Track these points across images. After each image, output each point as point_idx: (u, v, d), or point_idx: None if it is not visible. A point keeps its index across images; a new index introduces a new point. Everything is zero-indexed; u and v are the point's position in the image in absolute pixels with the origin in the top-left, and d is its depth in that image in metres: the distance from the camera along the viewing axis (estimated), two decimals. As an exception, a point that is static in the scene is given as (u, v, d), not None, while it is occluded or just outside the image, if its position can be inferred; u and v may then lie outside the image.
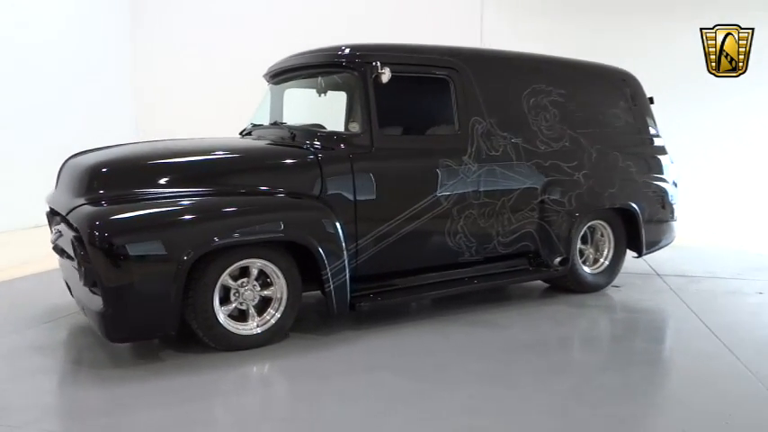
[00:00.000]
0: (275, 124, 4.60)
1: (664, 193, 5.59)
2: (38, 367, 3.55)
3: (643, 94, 5.70)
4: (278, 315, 3.86)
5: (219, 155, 4.08)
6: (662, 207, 5.56)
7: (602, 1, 7.33)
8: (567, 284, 5.21)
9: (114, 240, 3.35)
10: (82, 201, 3.64)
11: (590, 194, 5.06)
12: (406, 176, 4.33)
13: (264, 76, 5.15)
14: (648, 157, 5.62)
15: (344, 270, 3.99)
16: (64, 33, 9.28)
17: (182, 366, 3.57)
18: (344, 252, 3.98)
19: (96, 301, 3.44)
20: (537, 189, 4.86)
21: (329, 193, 4.04)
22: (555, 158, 4.96)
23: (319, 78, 4.71)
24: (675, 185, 5.80)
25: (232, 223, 3.64)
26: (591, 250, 5.35)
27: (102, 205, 3.55)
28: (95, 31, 9.91)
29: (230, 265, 3.69)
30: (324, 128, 4.49)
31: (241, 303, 3.80)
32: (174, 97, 10.18)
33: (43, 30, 8.77)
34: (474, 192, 4.55)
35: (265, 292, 3.87)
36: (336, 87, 4.61)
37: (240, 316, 3.82)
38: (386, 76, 4.18)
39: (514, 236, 4.79)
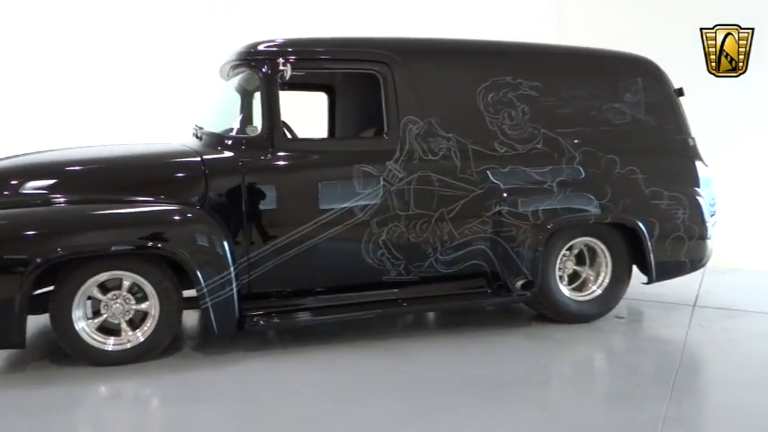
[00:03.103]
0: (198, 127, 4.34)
1: (688, 204, 4.51)
2: None
3: (663, 84, 4.66)
4: (141, 334, 3.62)
5: (99, 163, 3.88)
6: (683, 222, 4.49)
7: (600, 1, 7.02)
8: (544, 312, 4.41)
9: (-43, 249, 3.31)
10: None
11: (566, 206, 4.22)
12: (310, 184, 3.88)
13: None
14: (666, 160, 4.60)
15: (228, 286, 3.65)
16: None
17: (45, 378, 3.48)
18: (228, 266, 3.65)
19: None
20: (490, 199, 4.14)
21: (213, 201, 3.73)
22: (518, 163, 4.20)
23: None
24: (710, 195, 4.70)
25: (79, 234, 3.45)
26: (591, 272, 4.49)
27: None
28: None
29: (90, 277, 3.51)
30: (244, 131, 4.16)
31: (113, 317, 3.62)
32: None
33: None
34: (401, 201, 3.97)
35: (142, 307, 3.65)
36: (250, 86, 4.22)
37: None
38: (287, 73, 3.78)
39: (458, 253, 4.12)
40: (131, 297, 3.64)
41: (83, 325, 3.54)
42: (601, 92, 4.48)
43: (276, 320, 3.84)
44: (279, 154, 3.84)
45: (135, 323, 3.67)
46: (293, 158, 3.89)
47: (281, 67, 3.79)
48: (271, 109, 3.83)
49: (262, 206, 3.80)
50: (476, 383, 3.38)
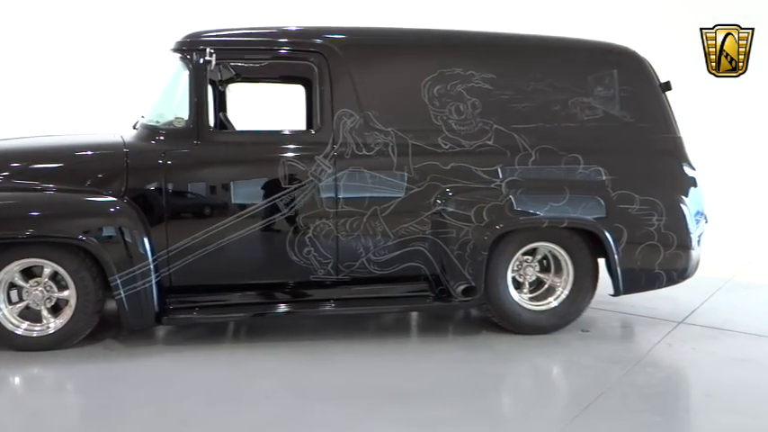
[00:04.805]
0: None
1: (665, 210, 4.05)
2: None
3: (644, 77, 4.21)
4: (52, 323, 3.66)
5: (25, 153, 3.92)
6: (657, 230, 4.05)
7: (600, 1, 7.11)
8: (496, 321, 4.12)
9: None
10: None
11: (515, 208, 3.90)
12: (233, 177, 3.80)
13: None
14: (641, 161, 4.16)
15: (145, 278, 3.63)
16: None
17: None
18: (145, 258, 3.63)
19: None
20: (429, 198, 3.90)
21: (134, 192, 3.70)
22: (463, 160, 3.93)
23: None
24: (697, 201, 4.23)
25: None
26: (558, 280, 4.14)
27: None
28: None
29: (7, 264, 3.58)
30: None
31: (36, 304, 3.68)
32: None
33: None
34: (329, 198, 3.81)
35: (63, 295, 3.69)
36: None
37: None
38: (212, 64, 3.71)
39: (393, 254, 3.91)
40: (53, 285, 3.68)
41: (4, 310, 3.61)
42: (567, 85, 4.12)
43: (196, 315, 3.79)
44: (204, 146, 3.77)
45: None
46: (218, 150, 3.83)
47: (207, 58, 3.72)
48: (198, 100, 3.77)
49: (182, 198, 3.76)
50: (372, 393, 3.18)
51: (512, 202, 3.88)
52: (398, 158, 3.86)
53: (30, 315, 3.70)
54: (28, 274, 3.68)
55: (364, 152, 3.84)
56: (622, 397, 3.16)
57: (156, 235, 3.69)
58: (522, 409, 3.05)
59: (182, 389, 3.21)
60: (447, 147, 3.92)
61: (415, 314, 4.46)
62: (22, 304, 3.66)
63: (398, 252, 3.91)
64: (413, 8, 7.58)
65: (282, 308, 3.88)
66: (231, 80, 4.63)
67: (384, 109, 3.90)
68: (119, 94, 7.49)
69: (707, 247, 5.22)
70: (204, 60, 3.74)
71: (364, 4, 7.51)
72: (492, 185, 3.92)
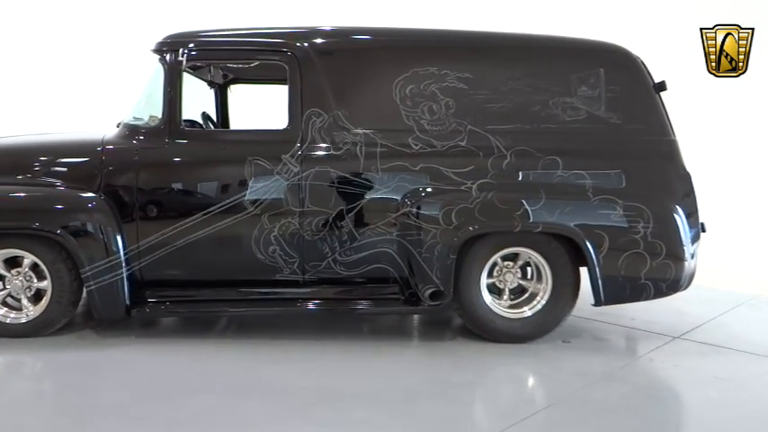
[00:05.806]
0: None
1: (652, 217, 3.81)
2: None
3: (635, 77, 3.98)
4: (32, 310, 3.82)
5: (2, 149, 4.14)
6: (643, 237, 3.81)
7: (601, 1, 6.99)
8: (470, 327, 4.00)
9: None
10: None
11: (486, 210, 3.77)
12: (200, 174, 3.87)
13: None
14: (628, 165, 3.93)
15: (114, 271, 3.75)
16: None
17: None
18: (116, 252, 3.75)
19: None
20: (397, 199, 3.83)
21: (108, 188, 3.83)
22: (434, 161, 3.84)
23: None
24: (691, 208, 3.96)
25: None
26: (540, 288, 3.98)
27: None
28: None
29: (-15, 254, 3.78)
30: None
31: (16, 292, 3.87)
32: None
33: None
34: (295, 197, 3.81)
35: (42, 285, 3.85)
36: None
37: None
38: (182, 64, 3.81)
39: (359, 255, 3.86)
40: (33, 275, 3.85)
41: (-18, 298, 3.82)
42: (548, 84, 3.95)
43: (165, 309, 3.88)
44: (175, 144, 3.86)
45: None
46: (188, 149, 3.90)
47: (179, 58, 3.81)
48: (170, 99, 3.86)
49: (153, 195, 3.84)
50: (308, 393, 3.15)
51: (482, 205, 3.75)
52: (366, 159, 3.82)
53: (16, 303, 3.90)
54: (12, 263, 3.87)
55: (332, 152, 3.83)
56: (568, 411, 2.99)
57: (128, 230, 3.80)
58: (454, 417, 2.92)
59: (127, 380, 3.28)
60: (417, 147, 3.85)
61: (391, 317, 4.39)
62: (3, 292, 3.86)
63: (365, 253, 3.86)
64: (401, 7, 7.54)
65: (250, 306, 3.92)
66: (228, 81, 4.76)
67: (354, 109, 3.87)
68: (116, 92, 7.65)
69: (739, 259, 4.98)
70: (176, 60, 3.83)
71: (351, 4, 7.52)
72: (462, 187, 3.81)
